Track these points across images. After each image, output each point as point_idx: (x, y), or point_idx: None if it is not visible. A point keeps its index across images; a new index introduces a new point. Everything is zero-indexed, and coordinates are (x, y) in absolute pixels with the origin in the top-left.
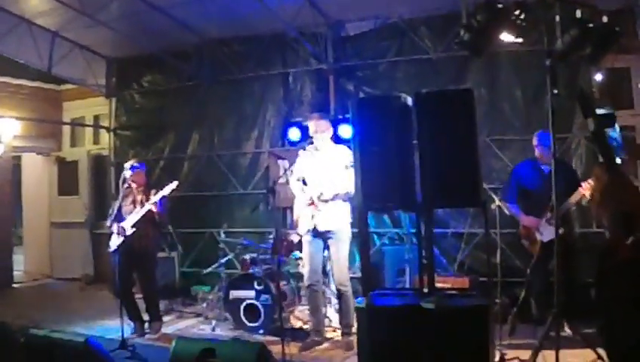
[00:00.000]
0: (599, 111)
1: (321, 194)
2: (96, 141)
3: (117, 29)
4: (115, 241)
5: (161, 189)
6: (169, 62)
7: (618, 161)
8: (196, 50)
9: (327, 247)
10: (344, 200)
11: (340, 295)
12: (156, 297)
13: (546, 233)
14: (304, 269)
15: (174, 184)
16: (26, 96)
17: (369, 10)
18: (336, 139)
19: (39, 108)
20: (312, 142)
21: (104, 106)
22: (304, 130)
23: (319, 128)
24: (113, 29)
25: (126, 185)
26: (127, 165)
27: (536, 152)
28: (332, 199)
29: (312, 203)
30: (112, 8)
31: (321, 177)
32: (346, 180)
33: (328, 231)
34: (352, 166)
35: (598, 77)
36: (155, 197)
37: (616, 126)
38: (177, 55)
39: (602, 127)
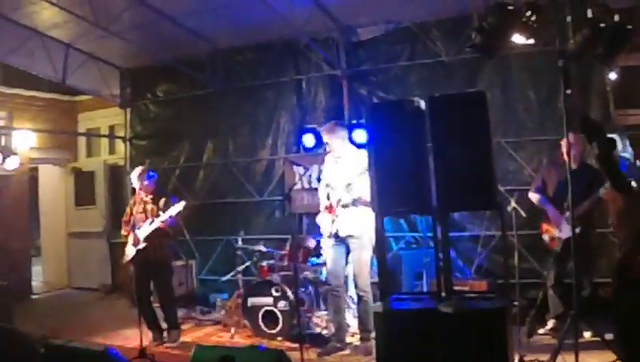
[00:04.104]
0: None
1: (340, 200)
2: (111, 151)
3: (130, 40)
4: (130, 251)
5: (170, 200)
6: (182, 72)
7: (633, 183)
8: (209, 58)
9: (349, 252)
10: (366, 205)
11: (359, 300)
12: (174, 306)
13: (565, 231)
14: (326, 274)
15: (181, 205)
16: (41, 107)
17: (380, 15)
18: (351, 144)
19: (54, 120)
20: (329, 151)
21: (119, 116)
22: (319, 136)
23: (333, 137)
24: (126, 40)
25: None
26: (134, 174)
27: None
28: (352, 205)
29: (330, 209)
30: (124, 19)
31: (340, 183)
32: (361, 187)
33: (350, 236)
34: (363, 173)
35: (612, 76)
36: (163, 216)
37: (628, 146)
38: (190, 64)
39: (606, 151)
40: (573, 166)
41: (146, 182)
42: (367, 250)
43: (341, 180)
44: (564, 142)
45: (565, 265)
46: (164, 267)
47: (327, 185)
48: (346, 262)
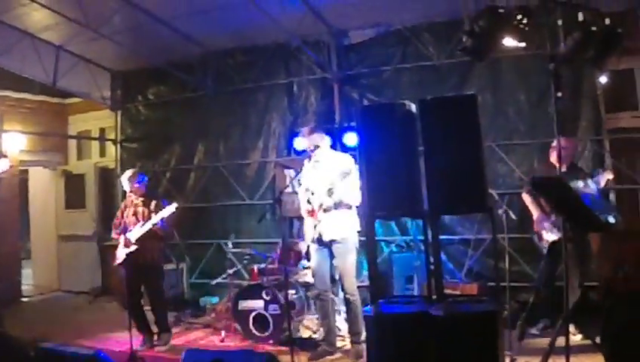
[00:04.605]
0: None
1: (322, 204)
2: (102, 154)
3: (121, 42)
4: (121, 254)
5: (161, 202)
6: (173, 74)
7: (611, 220)
8: (200, 61)
9: (333, 256)
10: (348, 208)
11: (347, 303)
12: (165, 309)
13: (552, 233)
14: (312, 278)
15: (173, 206)
16: (32, 110)
17: (372, 18)
18: (342, 147)
19: (45, 122)
20: (309, 156)
21: (110, 119)
22: None
23: (312, 142)
24: (117, 43)
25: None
26: (124, 177)
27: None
28: (334, 208)
29: (312, 213)
30: (115, 22)
31: (321, 188)
32: (343, 189)
33: (333, 241)
34: (345, 177)
35: (603, 79)
36: (154, 219)
37: (591, 182)
38: (181, 67)
39: (561, 202)
40: (563, 170)
41: (136, 185)
42: (351, 253)
43: (322, 185)
44: (553, 145)
45: (554, 267)
46: (155, 269)
47: (306, 190)
48: (331, 266)
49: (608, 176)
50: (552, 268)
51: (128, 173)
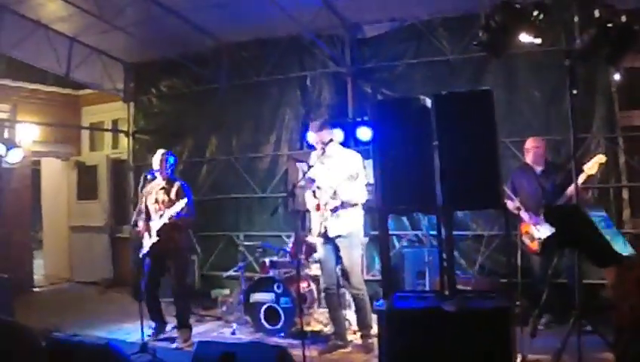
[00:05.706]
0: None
1: (327, 203)
2: (115, 145)
3: (134, 34)
4: (147, 243)
5: (182, 188)
6: (186, 67)
7: (630, 251)
8: (213, 54)
9: (338, 251)
10: (352, 206)
11: (355, 298)
12: (187, 302)
13: (543, 230)
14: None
15: (183, 203)
16: (45, 101)
17: (386, 12)
18: (355, 141)
19: (58, 113)
20: (319, 149)
21: (122, 111)
22: None
23: (321, 139)
24: (131, 34)
25: (152, 177)
26: (157, 154)
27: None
28: (341, 207)
29: (318, 207)
30: (128, 13)
31: (327, 186)
32: (349, 191)
33: (338, 236)
34: (351, 179)
35: (617, 76)
36: (169, 212)
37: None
38: (195, 59)
39: (578, 231)
40: (540, 168)
41: (161, 169)
42: (356, 248)
43: (328, 183)
44: (527, 147)
45: (550, 264)
46: (179, 258)
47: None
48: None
49: (599, 160)
50: (548, 264)
51: (161, 150)
